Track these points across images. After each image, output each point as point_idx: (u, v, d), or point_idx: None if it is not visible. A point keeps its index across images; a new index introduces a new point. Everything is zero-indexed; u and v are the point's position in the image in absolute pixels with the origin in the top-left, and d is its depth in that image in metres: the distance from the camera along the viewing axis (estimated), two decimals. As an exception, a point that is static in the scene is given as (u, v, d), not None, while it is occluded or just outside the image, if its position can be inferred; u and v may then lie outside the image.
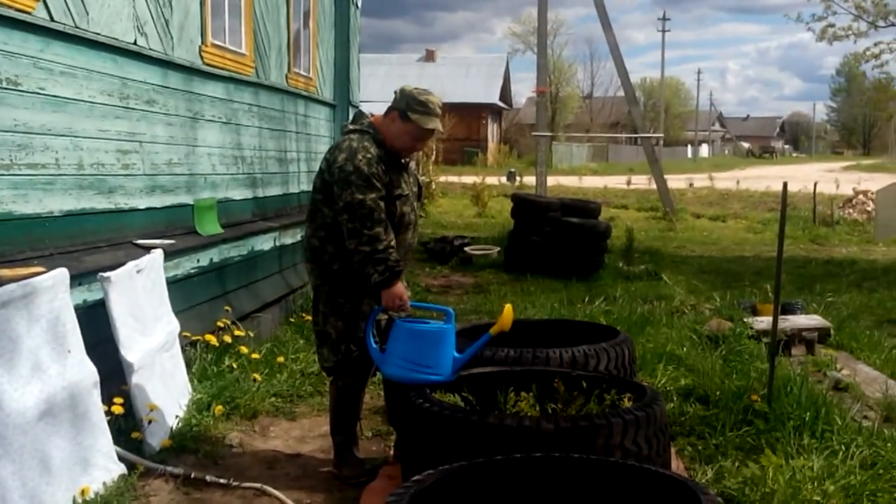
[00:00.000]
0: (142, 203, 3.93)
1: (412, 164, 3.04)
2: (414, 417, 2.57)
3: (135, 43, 3.84)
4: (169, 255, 3.79)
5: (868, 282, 8.06)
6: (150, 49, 3.99)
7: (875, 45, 13.73)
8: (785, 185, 3.77)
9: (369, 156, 2.74)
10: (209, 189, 4.70)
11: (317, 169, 3.04)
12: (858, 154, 71.40)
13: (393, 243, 2.73)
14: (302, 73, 6.53)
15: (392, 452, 3.16)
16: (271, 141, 5.79)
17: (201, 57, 4.61)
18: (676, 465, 2.96)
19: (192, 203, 4.45)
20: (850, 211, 15.35)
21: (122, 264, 3.22)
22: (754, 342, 4.77)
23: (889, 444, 3.08)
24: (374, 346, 2.80)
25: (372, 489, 2.81)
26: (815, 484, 2.72)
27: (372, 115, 2.93)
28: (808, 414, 3.28)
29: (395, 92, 2.87)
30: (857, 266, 9.31)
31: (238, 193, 5.17)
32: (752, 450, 3.12)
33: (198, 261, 4.34)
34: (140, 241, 3.75)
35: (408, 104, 2.80)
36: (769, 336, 4.10)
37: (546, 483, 2.12)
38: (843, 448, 3.03)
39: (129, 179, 3.81)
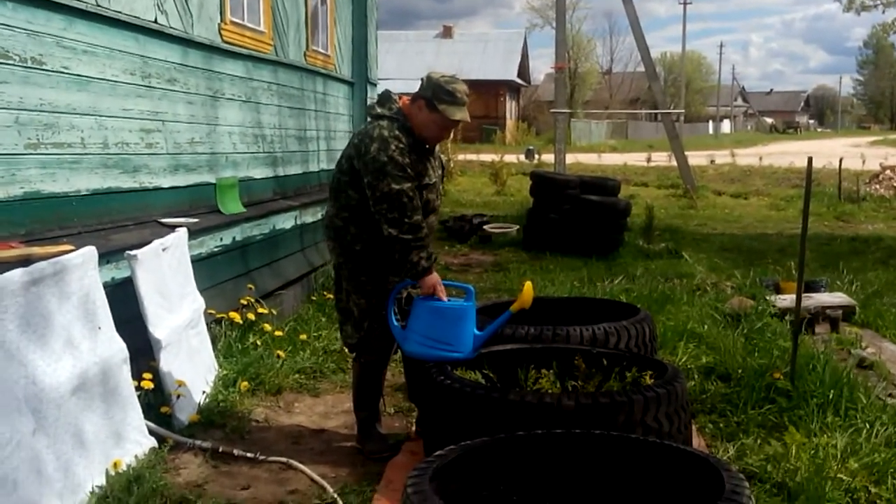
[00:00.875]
0: (165, 182, 3.96)
1: (437, 148, 3.01)
2: (435, 394, 2.60)
3: (155, 21, 3.84)
4: (193, 233, 3.83)
5: (895, 259, 7.92)
6: (171, 27, 4.00)
7: (905, 15, 13.33)
8: (810, 160, 3.69)
9: (402, 145, 2.72)
10: (231, 168, 4.73)
11: (336, 147, 3.03)
12: (886, 129, 69.63)
13: (427, 230, 2.75)
14: (320, 50, 6.50)
15: (414, 428, 3.20)
16: (291, 119, 5.80)
17: (221, 35, 4.60)
18: (698, 443, 2.96)
19: (214, 182, 4.49)
20: (877, 187, 15.01)
21: (148, 243, 3.27)
22: (777, 320, 4.73)
23: (914, 423, 3.05)
24: (395, 323, 2.82)
25: (395, 464, 2.86)
26: (839, 461, 2.70)
27: (400, 98, 2.88)
28: (831, 392, 3.25)
29: (423, 79, 2.83)
30: (884, 243, 9.13)
31: (259, 172, 5.20)
32: (774, 427, 3.10)
33: (221, 239, 4.38)
34: (165, 220, 3.79)
35: (434, 93, 2.76)
36: (792, 314, 4.06)
37: (567, 459, 2.14)
38: (868, 426, 3.01)
39: (152, 158, 3.84)
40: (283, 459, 2.89)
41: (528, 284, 2.77)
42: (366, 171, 2.74)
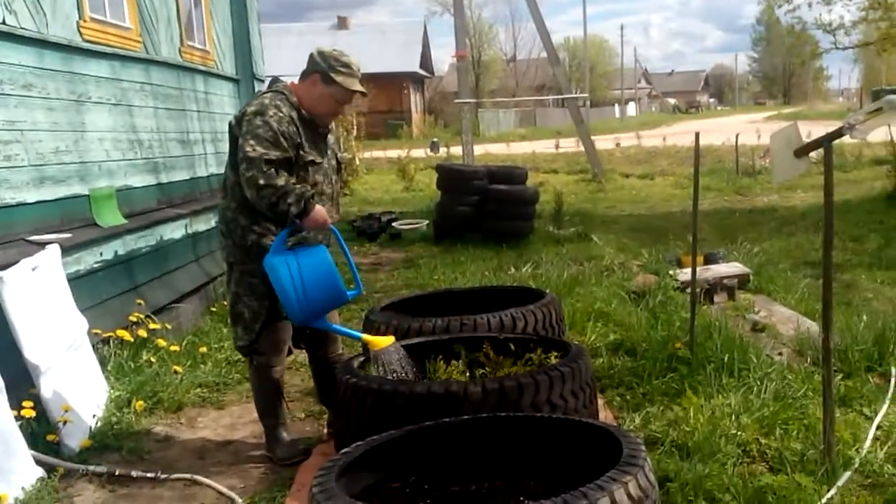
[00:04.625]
0: (30, 196, 3.80)
1: (331, 138, 3.04)
2: (343, 393, 2.67)
3: (3, 22, 3.67)
4: (67, 249, 3.71)
5: (787, 227, 8.68)
6: (22, 28, 3.83)
7: (788, -11, 14.51)
8: (697, 135, 4.06)
9: (280, 114, 2.73)
10: (105, 177, 4.57)
11: (224, 150, 3.02)
12: (780, 104, 75.32)
13: (294, 182, 2.69)
14: (197, 46, 6.37)
15: (326, 430, 3.26)
16: (170, 122, 5.66)
17: (80, 33, 4.44)
18: (605, 416, 3.19)
19: (87, 193, 4.33)
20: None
21: (15, 263, 3.14)
22: (679, 293, 5.11)
23: (798, 376, 3.42)
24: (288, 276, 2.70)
25: (307, 467, 2.90)
26: (732, 418, 3.00)
27: (291, 84, 2.92)
28: (726, 356, 3.57)
29: (312, 53, 2.87)
30: (778, 213, 9.97)
31: (139, 180, 5.05)
32: (676, 394, 3.38)
33: (101, 254, 4.24)
34: (33, 238, 3.64)
35: (330, 66, 2.80)
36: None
37: (475, 443, 2.26)
38: (759, 383, 3.34)
39: (12, 172, 3.67)
40: (187, 476, 2.88)
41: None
42: (240, 134, 2.73)
